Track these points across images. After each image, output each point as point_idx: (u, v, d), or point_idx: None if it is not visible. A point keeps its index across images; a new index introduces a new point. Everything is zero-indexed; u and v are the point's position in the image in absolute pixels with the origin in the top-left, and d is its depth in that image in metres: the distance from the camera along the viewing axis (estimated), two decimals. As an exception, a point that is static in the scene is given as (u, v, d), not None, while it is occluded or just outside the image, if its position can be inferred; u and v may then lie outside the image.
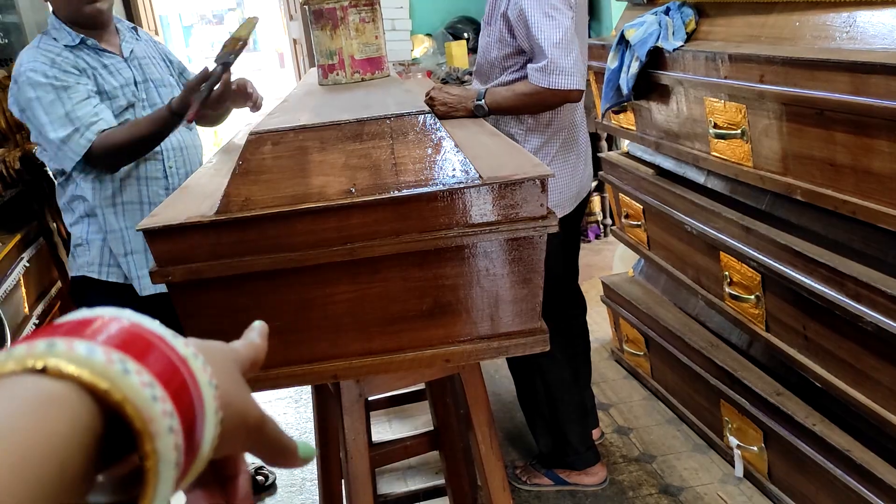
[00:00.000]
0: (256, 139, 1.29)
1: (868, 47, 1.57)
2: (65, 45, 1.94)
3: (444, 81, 4.34)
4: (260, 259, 1.29)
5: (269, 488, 2.51)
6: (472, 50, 4.78)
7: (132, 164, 2.00)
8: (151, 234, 1.27)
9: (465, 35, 4.79)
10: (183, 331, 1.37)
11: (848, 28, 1.66)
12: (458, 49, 4.61)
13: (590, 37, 2.40)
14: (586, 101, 2.27)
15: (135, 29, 2.14)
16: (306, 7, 2.01)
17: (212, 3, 21.58)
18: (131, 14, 4.86)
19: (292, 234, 1.28)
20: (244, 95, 2.05)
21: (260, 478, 2.51)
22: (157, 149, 2.00)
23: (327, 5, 1.92)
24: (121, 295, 2.03)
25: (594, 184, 3.95)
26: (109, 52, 2.00)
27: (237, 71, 1.94)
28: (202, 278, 1.30)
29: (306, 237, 1.28)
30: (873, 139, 1.51)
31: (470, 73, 4.47)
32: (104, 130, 1.88)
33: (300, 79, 5.27)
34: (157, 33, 5.19)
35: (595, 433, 2.56)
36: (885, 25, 1.57)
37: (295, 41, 5.40)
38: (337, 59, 1.96)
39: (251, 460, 2.58)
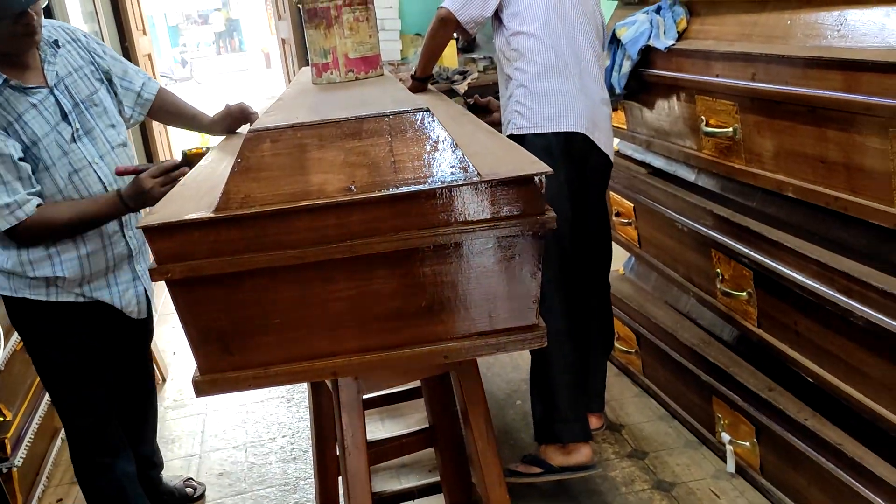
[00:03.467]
0: (255, 136, 1.29)
1: (859, 45, 1.59)
2: None
3: (434, 81, 4.34)
4: (259, 256, 1.29)
5: (198, 500, 2.48)
6: (462, 50, 4.79)
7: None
8: (151, 232, 1.27)
9: (455, 35, 4.79)
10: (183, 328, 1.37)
11: (839, 26, 1.68)
12: (448, 49, 4.61)
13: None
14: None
15: (55, 43, 1.84)
16: (300, 6, 2.01)
17: (197, 3, 21.49)
18: (119, 16, 4.83)
19: (292, 232, 1.29)
20: (245, 118, 2.02)
21: (189, 490, 2.48)
22: (98, 185, 1.84)
23: (321, 4, 1.93)
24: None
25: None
26: (35, 88, 1.76)
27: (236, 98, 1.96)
28: (201, 275, 1.30)
29: (306, 234, 1.29)
30: (865, 136, 1.53)
31: (461, 73, 4.49)
32: (39, 206, 1.72)
33: (290, 79, 5.26)
34: (144, 33, 5.17)
35: (595, 420, 2.55)
36: (876, 23, 1.59)
37: (284, 41, 5.39)
38: (331, 57, 1.96)
39: (179, 473, 2.57)
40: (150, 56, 5.19)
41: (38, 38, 1.74)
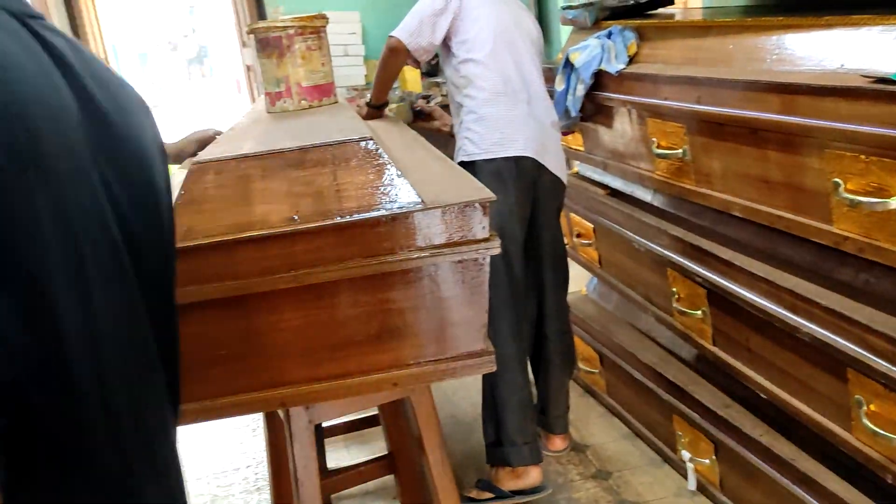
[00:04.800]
0: (199, 169, 1.30)
1: (796, 69, 1.63)
2: None
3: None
4: (203, 288, 1.29)
5: None
6: (426, 74, 4.83)
7: None
8: (93, 266, 1.26)
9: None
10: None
11: (777, 50, 1.72)
12: (412, 73, 4.64)
13: (542, 59, 2.47)
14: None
15: None
16: (252, 36, 2.02)
17: (166, 30, 21.46)
18: (81, 43, 4.81)
19: (236, 263, 1.29)
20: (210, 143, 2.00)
21: None
22: None
23: (273, 34, 1.94)
24: None
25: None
26: None
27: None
28: (145, 309, 1.29)
29: (250, 265, 1.29)
30: (803, 157, 1.57)
31: (424, 97, 4.52)
32: None
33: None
34: (106, 64, 5.16)
35: (559, 442, 2.57)
36: (812, 47, 1.63)
37: (249, 67, 5.40)
38: (284, 86, 1.97)
39: None
40: (113, 85, 5.16)
41: None
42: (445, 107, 2.82)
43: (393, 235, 1.30)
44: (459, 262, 1.34)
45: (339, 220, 1.28)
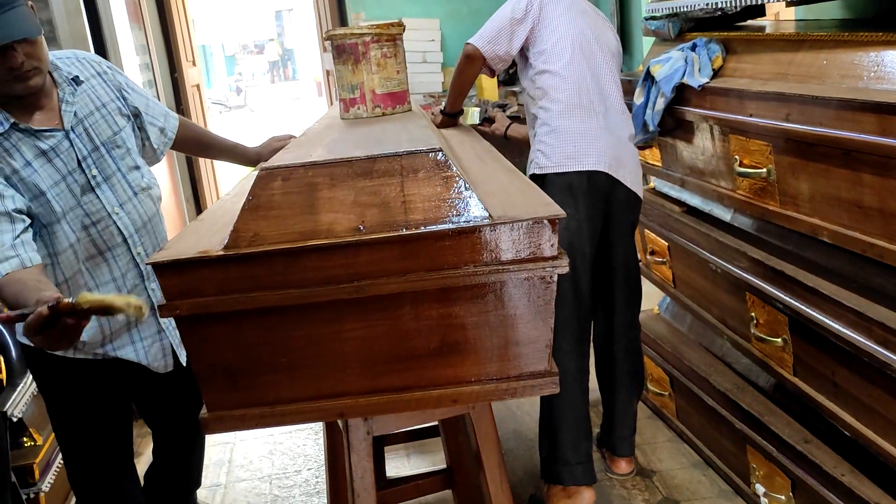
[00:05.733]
0: (267, 175, 1.29)
1: (896, 87, 1.53)
2: None
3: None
4: (267, 295, 1.28)
5: None
6: (503, 83, 4.79)
7: (87, 268, 1.69)
8: (160, 268, 1.27)
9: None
10: (190, 364, 1.37)
11: (875, 67, 1.61)
12: (489, 82, 4.62)
13: (622, 71, 2.41)
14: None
15: (75, 80, 1.72)
16: (329, 42, 2.02)
17: (253, 33, 22.06)
18: (170, 47, 4.96)
19: (300, 271, 1.27)
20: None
21: None
22: (117, 238, 1.71)
23: (349, 41, 1.94)
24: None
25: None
26: (48, 131, 1.63)
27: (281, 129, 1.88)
28: (210, 312, 1.30)
29: (314, 274, 1.28)
30: (901, 182, 1.47)
31: (500, 107, 4.48)
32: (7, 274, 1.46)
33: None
34: (194, 64, 5.30)
35: (625, 465, 2.50)
36: (915, 65, 1.53)
37: (328, 72, 5.47)
38: (358, 93, 1.96)
39: (204, 503, 2.49)
40: (198, 86, 5.31)
41: (34, 81, 1.57)
42: (516, 118, 2.79)
43: (458, 250, 1.27)
44: (526, 279, 1.29)
45: (404, 231, 1.26)
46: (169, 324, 1.83)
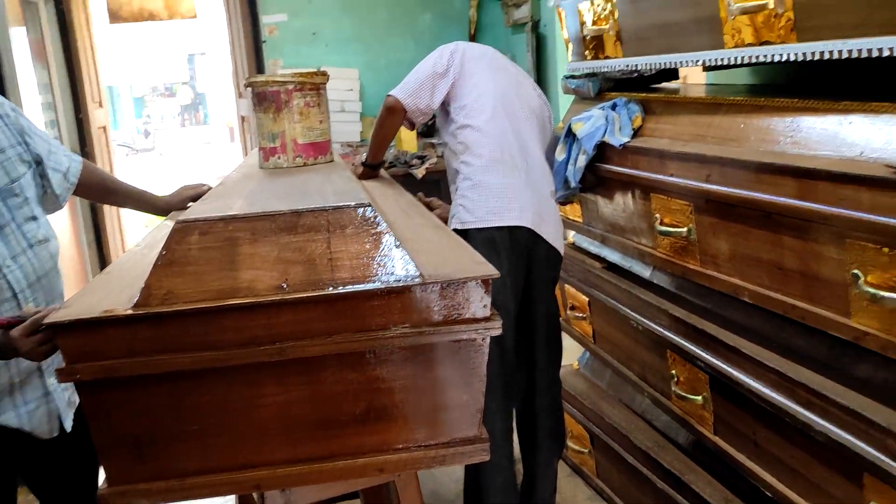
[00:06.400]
0: (183, 228, 1.20)
1: (812, 153, 1.57)
2: None
3: (392, 165, 4.32)
4: (181, 357, 1.19)
5: None
6: (422, 134, 4.80)
7: None
8: (60, 329, 1.16)
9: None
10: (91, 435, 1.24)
11: (791, 132, 1.66)
12: (408, 134, 4.62)
13: (553, 126, 2.43)
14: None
15: None
16: (249, 89, 1.96)
17: (164, 75, 21.58)
18: (75, 87, 4.76)
19: (217, 332, 1.19)
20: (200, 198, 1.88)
21: None
22: (6, 292, 1.57)
23: (271, 88, 1.87)
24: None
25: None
26: None
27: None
28: (115, 377, 1.19)
29: (232, 335, 1.19)
30: (821, 245, 1.50)
31: (418, 158, 4.48)
32: None
33: (246, 157, 5.21)
34: (101, 105, 5.10)
35: None
36: (828, 132, 1.58)
37: (244, 118, 5.36)
38: (279, 142, 1.90)
39: None
40: (104, 128, 5.11)
41: None
42: (441, 171, 2.77)
43: (387, 310, 1.21)
44: (457, 341, 1.25)
45: (330, 290, 1.19)
46: (57, 386, 1.67)
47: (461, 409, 1.29)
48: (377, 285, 1.20)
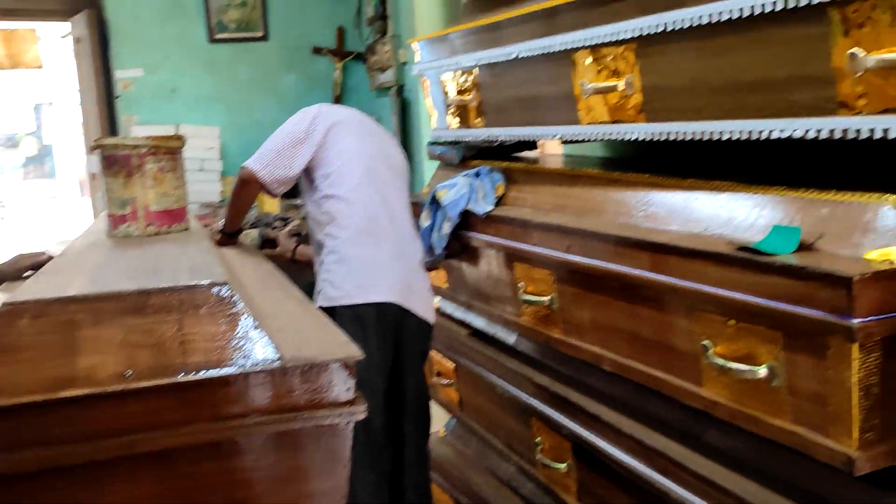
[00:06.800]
0: (11, 311, 1.09)
1: (663, 227, 1.65)
2: None
3: (254, 226, 4.20)
4: (10, 457, 1.06)
5: None
6: (284, 195, 4.71)
7: None
8: None
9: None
10: None
11: (644, 206, 1.74)
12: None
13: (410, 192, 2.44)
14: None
15: None
16: (98, 151, 1.85)
17: (7, 126, 20.25)
18: None
19: (52, 426, 1.07)
20: (38, 267, 1.75)
21: None
22: None
23: (121, 152, 1.78)
24: None
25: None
26: None
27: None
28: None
29: (70, 429, 1.08)
30: (674, 316, 1.56)
31: (281, 219, 4.38)
32: None
33: (96, 217, 4.92)
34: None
35: None
36: (677, 207, 1.66)
37: (94, 175, 5.09)
38: (130, 209, 1.79)
39: None
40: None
41: None
42: (297, 234, 2.72)
43: (245, 397, 1.14)
44: (320, 427, 1.19)
45: (182, 376, 1.11)
46: None
47: (325, 496, 1.23)
48: (233, 370, 1.13)
